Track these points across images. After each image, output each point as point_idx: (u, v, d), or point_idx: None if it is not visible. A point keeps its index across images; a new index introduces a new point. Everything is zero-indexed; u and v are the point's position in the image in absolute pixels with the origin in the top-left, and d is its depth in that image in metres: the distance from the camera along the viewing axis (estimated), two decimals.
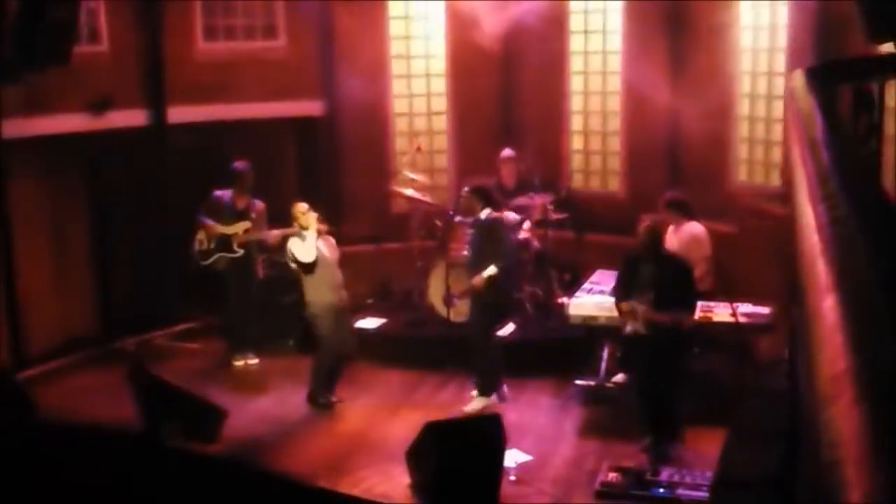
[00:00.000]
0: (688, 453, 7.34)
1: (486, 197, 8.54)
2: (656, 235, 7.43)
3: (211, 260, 9.46)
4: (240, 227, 9.42)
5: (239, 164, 9.47)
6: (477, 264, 8.41)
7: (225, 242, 9.42)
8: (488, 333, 8.52)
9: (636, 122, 10.94)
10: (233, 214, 9.45)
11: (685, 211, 8.54)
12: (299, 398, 8.70)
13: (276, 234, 9.22)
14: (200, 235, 9.47)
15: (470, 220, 8.79)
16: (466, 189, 8.73)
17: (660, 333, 7.25)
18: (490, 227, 8.48)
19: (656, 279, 7.28)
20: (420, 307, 9.94)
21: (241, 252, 9.43)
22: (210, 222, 9.42)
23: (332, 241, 8.66)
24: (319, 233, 8.46)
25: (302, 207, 8.51)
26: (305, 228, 8.42)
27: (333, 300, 8.50)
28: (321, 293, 8.46)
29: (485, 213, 8.45)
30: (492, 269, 8.26)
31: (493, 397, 8.43)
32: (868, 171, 3.87)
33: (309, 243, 8.38)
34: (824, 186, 2.20)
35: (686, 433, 7.44)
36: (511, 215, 9.20)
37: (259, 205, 9.51)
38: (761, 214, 9.59)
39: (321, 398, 8.58)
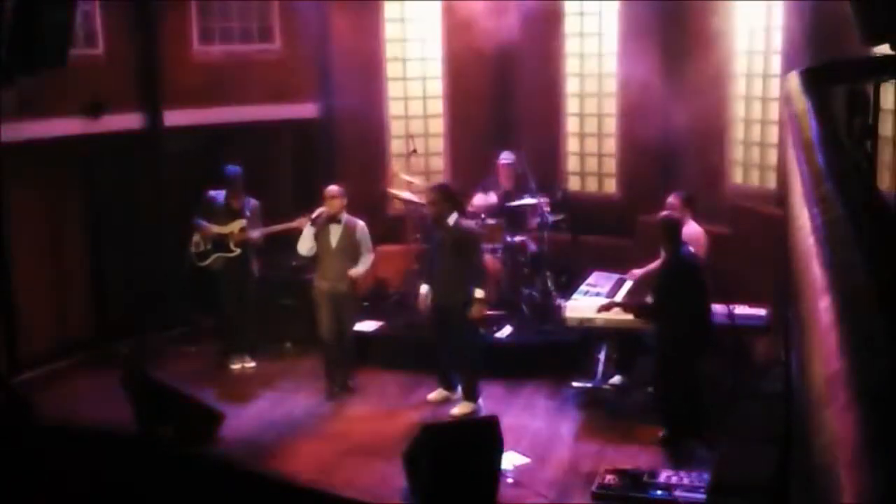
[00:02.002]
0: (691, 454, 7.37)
1: (453, 199, 8.41)
2: (664, 229, 7.52)
3: (208, 261, 9.45)
4: (235, 226, 9.41)
5: (230, 169, 9.45)
6: (446, 275, 8.26)
7: (221, 242, 9.42)
8: (476, 337, 8.51)
9: (632, 125, 10.94)
10: (227, 214, 9.44)
11: (688, 210, 8.54)
12: (295, 400, 8.70)
13: (269, 230, 9.27)
14: (196, 237, 9.46)
15: (438, 224, 8.40)
16: (433, 190, 8.44)
17: (663, 329, 7.39)
18: (463, 238, 8.27)
19: (662, 271, 7.44)
20: (416, 310, 9.92)
21: (238, 251, 9.42)
22: (205, 223, 9.41)
23: (357, 227, 8.71)
24: (334, 218, 8.59)
25: (330, 191, 8.64)
26: (330, 213, 8.60)
27: (325, 288, 8.66)
28: (317, 279, 8.74)
29: (453, 219, 8.28)
30: (480, 293, 8.15)
31: (480, 402, 8.41)
32: (863, 173, 3.88)
33: (308, 236, 8.58)
34: (819, 188, 2.20)
35: (703, 433, 7.45)
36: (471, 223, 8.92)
37: (253, 203, 9.51)
38: (757, 216, 9.60)
39: (327, 390, 8.77)
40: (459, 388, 8.53)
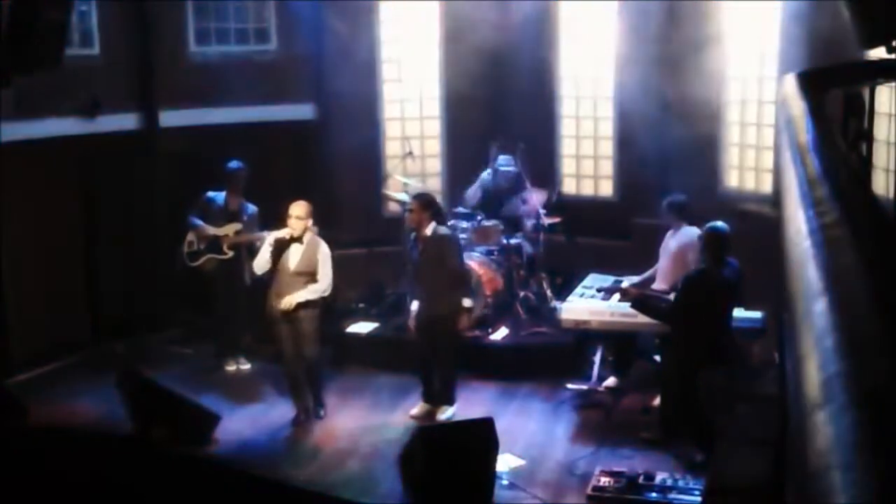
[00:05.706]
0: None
1: (433, 208, 8.30)
2: (710, 239, 7.46)
3: (200, 261, 9.42)
4: (230, 229, 9.38)
5: (233, 164, 9.44)
6: (430, 285, 8.21)
7: (214, 244, 9.39)
8: (458, 342, 8.49)
9: (627, 127, 10.96)
10: (224, 216, 9.41)
11: (684, 214, 8.53)
12: (291, 402, 8.69)
13: (265, 235, 9.22)
14: (190, 237, 9.44)
15: (418, 233, 8.29)
16: (413, 200, 8.43)
17: (677, 336, 7.49)
18: (440, 244, 8.18)
19: (697, 279, 7.48)
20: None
21: (230, 254, 9.39)
22: (199, 224, 9.39)
23: (318, 248, 8.10)
24: (296, 239, 8.04)
25: (296, 212, 8.02)
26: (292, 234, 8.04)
27: (273, 307, 8.15)
28: (272, 298, 8.17)
29: (431, 229, 8.17)
30: (468, 303, 8.17)
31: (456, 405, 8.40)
32: (858, 176, 3.88)
33: (265, 254, 8.07)
34: (814, 191, 2.21)
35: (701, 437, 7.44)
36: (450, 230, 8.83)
37: (251, 208, 9.48)
38: (752, 219, 9.60)
39: (295, 415, 8.40)
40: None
